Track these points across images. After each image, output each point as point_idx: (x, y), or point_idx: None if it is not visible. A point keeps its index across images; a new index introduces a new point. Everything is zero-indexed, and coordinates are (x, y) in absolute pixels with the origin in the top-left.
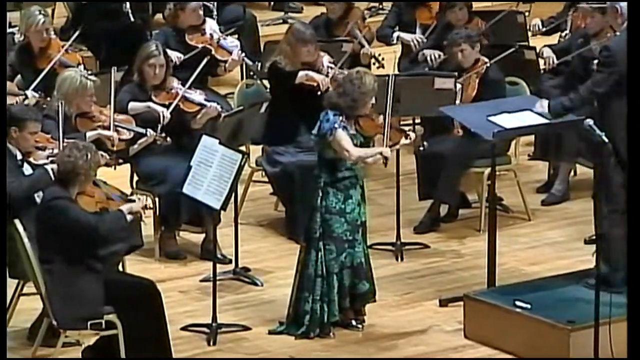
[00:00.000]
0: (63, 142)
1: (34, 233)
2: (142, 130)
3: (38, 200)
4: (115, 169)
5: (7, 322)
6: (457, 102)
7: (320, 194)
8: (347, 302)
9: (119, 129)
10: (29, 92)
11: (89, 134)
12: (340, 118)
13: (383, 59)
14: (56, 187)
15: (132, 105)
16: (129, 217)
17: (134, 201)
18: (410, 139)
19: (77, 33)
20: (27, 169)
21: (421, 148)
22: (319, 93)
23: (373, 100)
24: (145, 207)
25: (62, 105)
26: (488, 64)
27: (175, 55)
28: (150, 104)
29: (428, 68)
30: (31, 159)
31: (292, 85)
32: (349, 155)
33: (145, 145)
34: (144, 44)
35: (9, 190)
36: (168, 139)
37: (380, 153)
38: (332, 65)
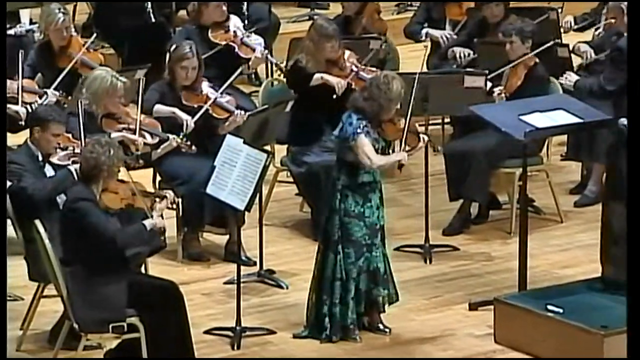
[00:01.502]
0: (85, 141)
1: (55, 234)
2: (167, 136)
3: (60, 201)
4: (135, 169)
5: (27, 325)
6: (502, 88)
7: (339, 197)
8: (362, 308)
9: (144, 132)
10: (50, 91)
11: (113, 134)
12: (364, 123)
13: (388, 46)
14: (80, 186)
15: (158, 108)
16: (149, 227)
17: (162, 198)
18: (424, 141)
19: (95, 33)
20: (49, 170)
21: (434, 152)
22: (334, 96)
23: (398, 106)
24: (172, 202)
25: (82, 105)
26: (537, 61)
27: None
28: (176, 110)
29: (456, 66)
30: (52, 159)
31: (309, 87)
32: (371, 163)
33: (168, 150)
34: (178, 45)
35: (31, 192)
36: (193, 147)
37: (399, 160)
38: (357, 63)
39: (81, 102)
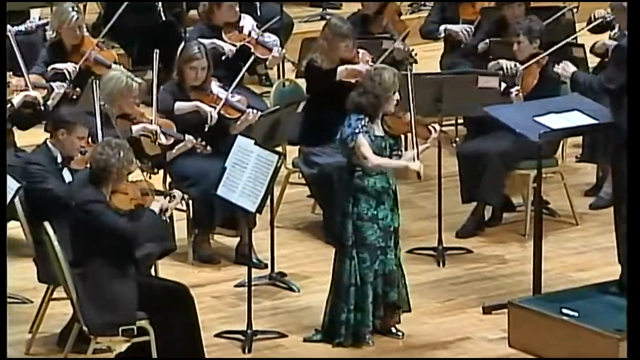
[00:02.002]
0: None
1: (64, 236)
2: (182, 137)
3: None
4: (150, 177)
5: (36, 328)
6: (518, 88)
7: (352, 201)
8: (381, 311)
9: (159, 133)
10: (55, 84)
11: (134, 127)
12: (363, 122)
13: (416, 54)
14: (90, 188)
15: (179, 105)
16: (157, 210)
17: (172, 198)
18: (435, 130)
19: (105, 30)
20: (66, 174)
21: (453, 144)
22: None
23: (397, 96)
24: (181, 200)
25: (101, 108)
26: (547, 59)
27: (228, 48)
28: (198, 103)
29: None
30: (72, 165)
31: (332, 83)
32: (367, 162)
33: (183, 151)
34: (186, 45)
35: (56, 194)
36: (208, 147)
37: (407, 167)
38: (371, 63)
39: (100, 106)
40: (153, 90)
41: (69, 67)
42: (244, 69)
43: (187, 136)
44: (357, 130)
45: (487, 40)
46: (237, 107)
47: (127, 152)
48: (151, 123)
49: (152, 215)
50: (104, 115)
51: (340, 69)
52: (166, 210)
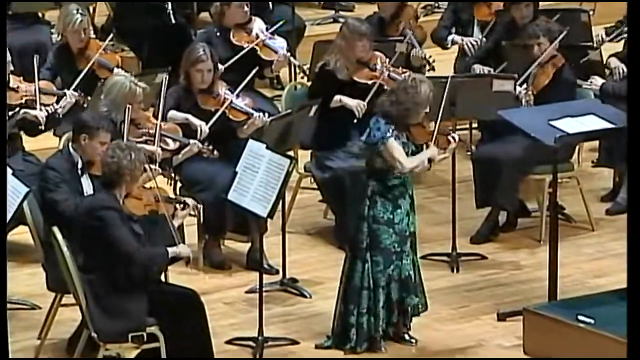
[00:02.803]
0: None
1: (72, 245)
2: (188, 141)
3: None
4: (170, 183)
5: (45, 334)
6: (529, 89)
7: (368, 203)
8: (395, 317)
9: (165, 139)
10: (69, 92)
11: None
12: (392, 127)
13: (434, 60)
14: (103, 193)
15: (172, 114)
16: (171, 254)
17: (184, 205)
18: (455, 140)
19: (113, 35)
20: (86, 180)
21: (468, 152)
22: (355, 121)
23: (427, 109)
24: (194, 209)
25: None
26: (564, 62)
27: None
28: (189, 116)
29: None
30: (93, 170)
31: (338, 91)
32: (402, 167)
33: (189, 155)
34: (190, 47)
35: (62, 209)
36: (215, 152)
37: (429, 157)
38: (387, 65)
39: (128, 110)
40: (162, 92)
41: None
42: (249, 77)
43: (191, 140)
44: (387, 135)
45: (475, 66)
46: (243, 110)
47: (138, 153)
48: (155, 128)
49: (161, 251)
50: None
51: (335, 98)
52: (182, 259)
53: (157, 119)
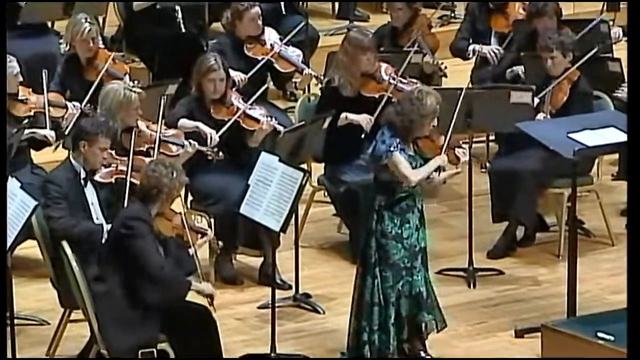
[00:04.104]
0: (129, 158)
1: (89, 261)
2: (184, 142)
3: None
4: None
5: (54, 350)
6: (546, 107)
7: (376, 218)
8: (404, 334)
9: (168, 144)
10: (70, 104)
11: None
12: (398, 139)
13: (446, 67)
14: (138, 204)
15: (182, 122)
16: (193, 288)
17: (203, 234)
18: (464, 155)
19: (119, 44)
20: (89, 190)
21: (483, 170)
22: (362, 136)
23: (435, 122)
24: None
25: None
26: (579, 74)
27: (239, 78)
28: (199, 124)
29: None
30: (96, 177)
31: (345, 109)
32: (408, 180)
33: (187, 158)
34: (201, 57)
35: (56, 227)
36: (220, 153)
37: (438, 167)
38: (395, 75)
39: (121, 119)
40: (161, 104)
41: (48, 132)
42: (261, 90)
43: (187, 142)
44: (392, 148)
45: (514, 68)
46: (257, 118)
47: (180, 174)
48: (155, 136)
49: (184, 280)
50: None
51: (342, 116)
52: (205, 295)
53: (157, 125)
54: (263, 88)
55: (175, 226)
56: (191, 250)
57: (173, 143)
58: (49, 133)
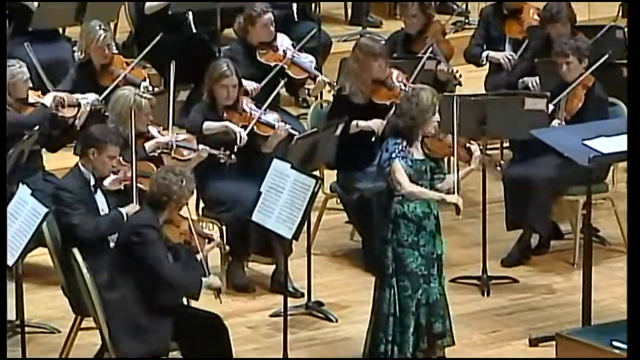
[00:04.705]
0: (136, 164)
1: (98, 267)
2: (196, 147)
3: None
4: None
5: (65, 358)
6: (560, 113)
7: (391, 226)
8: (425, 343)
9: (180, 148)
10: (83, 101)
11: (147, 145)
12: (400, 147)
13: (461, 75)
14: (148, 211)
15: (208, 125)
16: (205, 285)
17: (210, 240)
18: (476, 150)
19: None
20: (99, 197)
21: (498, 168)
22: (373, 140)
23: (437, 118)
24: (223, 249)
25: (134, 126)
26: (594, 80)
27: (252, 87)
28: (228, 123)
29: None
30: (105, 184)
31: (357, 116)
32: (401, 188)
33: (199, 162)
34: (213, 63)
35: (81, 234)
36: (233, 156)
37: (444, 200)
38: (406, 82)
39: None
40: (170, 104)
41: (91, 97)
42: (274, 93)
43: (200, 146)
44: (393, 155)
45: (524, 79)
46: (271, 124)
47: (189, 182)
48: (168, 141)
49: (197, 277)
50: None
51: (352, 123)
52: (214, 289)
53: (169, 130)
54: (274, 93)
55: (182, 232)
56: (199, 256)
57: (185, 147)
58: (68, 111)
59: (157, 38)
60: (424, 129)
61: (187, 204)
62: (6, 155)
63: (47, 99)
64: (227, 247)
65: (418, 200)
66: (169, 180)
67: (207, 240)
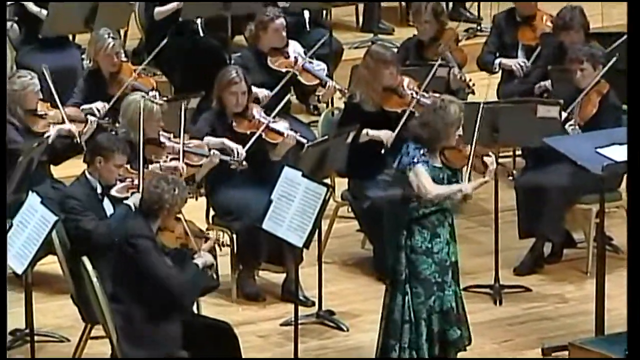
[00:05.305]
0: (143, 172)
1: (103, 274)
2: (208, 153)
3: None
4: (197, 199)
5: None
6: (574, 119)
7: (405, 233)
8: (436, 350)
9: (190, 154)
10: (90, 117)
11: (151, 167)
12: (422, 152)
13: (474, 84)
14: (140, 221)
15: (208, 140)
16: (201, 265)
17: (206, 239)
18: (492, 163)
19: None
20: (107, 204)
21: (510, 177)
22: (382, 151)
23: (460, 131)
24: (221, 245)
25: (126, 135)
26: (608, 87)
27: (263, 94)
28: (225, 140)
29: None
30: (112, 191)
31: (369, 123)
32: (426, 193)
33: (210, 168)
34: (222, 70)
35: (95, 239)
36: (244, 162)
37: (460, 190)
38: (417, 89)
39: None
40: (181, 117)
41: (98, 105)
42: (284, 101)
43: (212, 151)
44: (415, 160)
45: (541, 84)
46: (280, 131)
47: (182, 190)
48: (179, 147)
49: (194, 267)
50: (128, 144)
51: (362, 132)
52: (210, 265)
53: (179, 137)
54: (284, 101)
55: (178, 236)
56: (199, 260)
57: (196, 154)
58: (73, 127)
59: (164, 41)
60: (445, 141)
61: (180, 210)
62: (5, 157)
63: (52, 133)
64: (226, 236)
65: (444, 200)
66: (161, 189)
67: (204, 240)
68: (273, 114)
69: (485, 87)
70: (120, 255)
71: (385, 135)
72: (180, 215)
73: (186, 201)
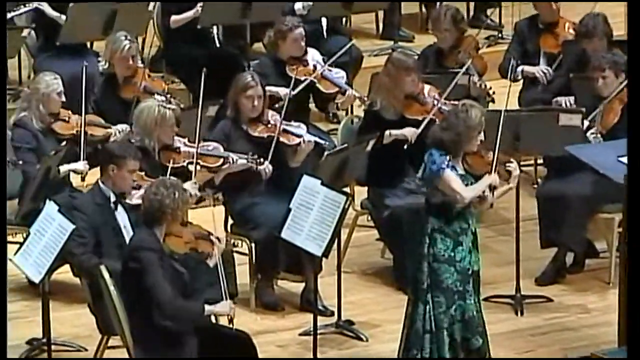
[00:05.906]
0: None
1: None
2: (227, 155)
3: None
4: (214, 205)
5: None
6: (596, 127)
7: (428, 241)
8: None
9: (206, 157)
10: (114, 128)
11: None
12: (447, 157)
13: (494, 92)
14: (144, 231)
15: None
16: (207, 313)
17: (217, 238)
18: (515, 169)
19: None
20: (121, 213)
21: (534, 185)
22: (405, 147)
23: (482, 136)
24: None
25: (141, 141)
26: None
27: (284, 92)
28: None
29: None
30: (128, 200)
31: (388, 128)
32: (462, 197)
33: (228, 171)
34: (238, 75)
35: (77, 261)
36: (261, 159)
37: (489, 185)
38: (438, 97)
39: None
40: (198, 117)
41: (78, 166)
42: (295, 91)
43: (232, 154)
44: (443, 166)
45: (558, 99)
46: (297, 133)
47: (182, 193)
48: (195, 151)
49: (197, 307)
50: (141, 151)
51: (385, 133)
52: (219, 315)
53: (194, 143)
54: (285, 103)
55: (187, 241)
56: (211, 262)
57: (212, 155)
58: (80, 165)
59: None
60: (468, 146)
61: (184, 214)
62: (6, 155)
63: (79, 166)
64: (228, 237)
65: (475, 200)
66: (160, 195)
67: (211, 243)
68: (282, 113)
69: (506, 95)
70: (126, 268)
71: (409, 132)
72: (185, 219)
73: (188, 203)
